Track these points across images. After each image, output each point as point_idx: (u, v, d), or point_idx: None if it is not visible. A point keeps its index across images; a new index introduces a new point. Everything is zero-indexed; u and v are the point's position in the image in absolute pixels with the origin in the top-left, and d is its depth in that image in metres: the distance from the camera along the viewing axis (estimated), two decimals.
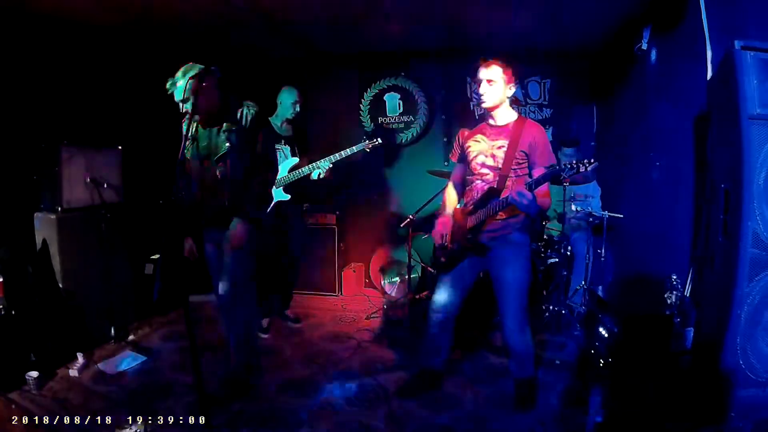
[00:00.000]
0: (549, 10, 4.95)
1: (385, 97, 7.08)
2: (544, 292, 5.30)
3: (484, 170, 3.53)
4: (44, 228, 4.74)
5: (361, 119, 7.18)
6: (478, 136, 3.60)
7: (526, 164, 3.46)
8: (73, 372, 4.29)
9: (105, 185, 4.79)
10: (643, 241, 5.05)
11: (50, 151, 4.72)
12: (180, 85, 3.49)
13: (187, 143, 3.73)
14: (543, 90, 6.56)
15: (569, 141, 5.76)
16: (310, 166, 5.08)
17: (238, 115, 3.76)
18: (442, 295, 3.74)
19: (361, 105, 7.15)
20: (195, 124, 3.74)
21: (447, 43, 6.12)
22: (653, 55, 4.85)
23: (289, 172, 5.14)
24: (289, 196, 5.15)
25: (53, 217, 4.67)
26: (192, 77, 3.45)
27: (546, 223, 5.39)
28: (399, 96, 7.02)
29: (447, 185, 3.93)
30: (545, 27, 5.38)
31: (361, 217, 7.23)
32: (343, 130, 7.12)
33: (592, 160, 2.94)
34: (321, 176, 5.09)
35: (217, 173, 3.70)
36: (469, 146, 3.62)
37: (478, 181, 3.56)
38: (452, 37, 5.90)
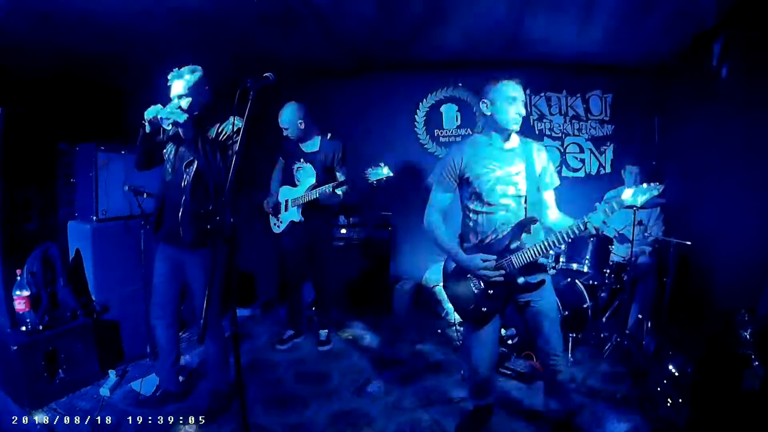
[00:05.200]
0: (614, 24, 4.97)
1: (441, 109, 7.05)
2: (603, 320, 5.31)
3: (507, 200, 3.41)
4: (78, 238, 4.84)
5: (417, 132, 7.16)
6: (488, 162, 3.42)
7: (539, 185, 3.46)
8: (104, 390, 4.32)
9: (145, 195, 4.83)
10: (710, 271, 5.04)
11: (85, 155, 4.82)
12: (188, 79, 3.66)
13: (168, 146, 3.90)
14: (604, 105, 6.52)
15: (634, 157, 5.78)
16: (321, 188, 5.14)
17: (220, 127, 3.80)
18: (487, 346, 3.66)
19: (416, 116, 7.13)
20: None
21: (507, 54, 6.07)
22: (724, 71, 4.84)
23: (305, 192, 5.25)
24: (302, 218, 5.31)
25: (88, 226, 4.76)
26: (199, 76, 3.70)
27: (612, 248, 5.40)
28: (457, 107, 6.99)
29: (435, 221, 3.60)
30: (609, 41, 5.37)
31: (414, 234, 7.17)
32: (398, 143, 7.18)
33: (657, 184, 3.02)
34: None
35: (182, 182, 3.75)
36: (480, 174, 3.42)
37: (502, 212, 3.42)
38: (512, 49, 5.87)
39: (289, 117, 5.19)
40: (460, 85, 6.94)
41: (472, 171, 3.43)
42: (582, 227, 3.15)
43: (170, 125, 3.56)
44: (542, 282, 3.40)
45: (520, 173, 3.40)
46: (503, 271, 3.37)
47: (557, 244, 3.26)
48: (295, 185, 5.42)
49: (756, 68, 4.32)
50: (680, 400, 3.94)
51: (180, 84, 3.65)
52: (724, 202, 4.74)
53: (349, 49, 6.14)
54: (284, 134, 5.28)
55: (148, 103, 3.67)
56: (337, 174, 5.30)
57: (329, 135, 5.44)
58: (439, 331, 6.00)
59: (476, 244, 3.50)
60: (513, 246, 3.36)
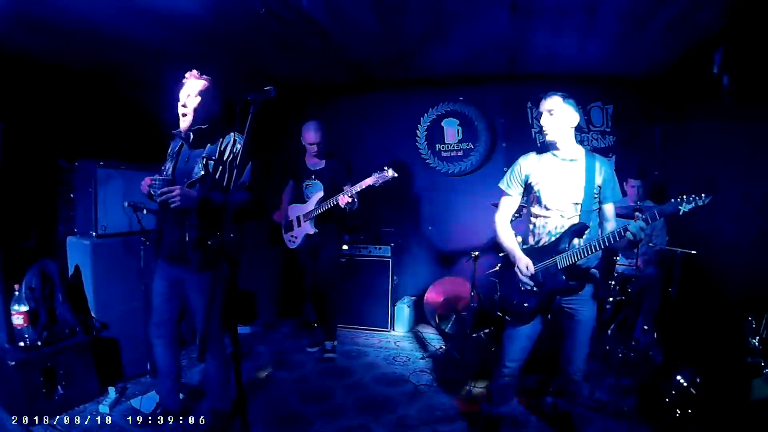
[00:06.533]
0: (615, 36, 4.97)
1: (443, 123, 7.04)
2: (609, 332, 5.27)
3: (563, 206, 3.52)
4: (77, 253, 4.81)
5: (418, 146, 7.18)
6: (550, 169, 3.58)
7: (599, 198, 3.53)
8: (104, 408, 4.28)
9: (145, 211, 4.83)
10: (716, 279, 5.01)
11: (85, 170, 4.81)
12: (203, 82, 3.69)
13: (168, 163, 3.85)
14: (605, 116, 6.51)
15: (637, 171, 5.76)
16: (332, 198, 5.32)
17: (223, 144, 3.75)
18: (520, 344, 3.69)
19: (417, 131, 7.15)
20: (181, 142, 3.83)
21: (508, 68, 6.10)
22: (725, 80, 4.84)
23: (315, 205, 5.48)
24: (316, 230, 5.52)
25: (87, 242, 4.73)
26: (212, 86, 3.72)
27: (617, 258, 5.37)
28: (458, 122, 6.97)
29: (500, 220, 3.81)
30: (611, 53, 5.38)
31: (416, 250, 7.27)
32: (400, 158, 7.17)
33: (704, 195, 3.00)
34: (343, 206, 5.27)
35: None
36: (540, 180, 3.58)
37: (557, 218, 3.55)
38: (514, 62, 5.89)
39: (319, 132, 5.47)
40: (461, 99, 6.93)
41: (534, 177, 3.61)
42: (622, 234, 3.21)
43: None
44: (582, 286, 3.50)
45: (578, 182, 3.50)
46: (533, 284, 3.52)
47: (597, 249, 3.34)
48: (304, 202, 5.65)
49: (757, 76, 4.33)
50: (689, 412, 3.91)
51: (193, 84, 3.67)
52: (728, 210, 4.72)
53: (351, 65, 6.14)
54: (312, 149, 5.54)
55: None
56: (345, 188, 5.42)
57: (330, 153, 5.68)
58: (441, 347, 5.96)
59: (533, 245, 3.66)
60: (561, 248, 3.46)
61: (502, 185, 3.79)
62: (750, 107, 4.48)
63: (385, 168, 5.15)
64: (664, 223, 5.63)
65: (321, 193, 5.50)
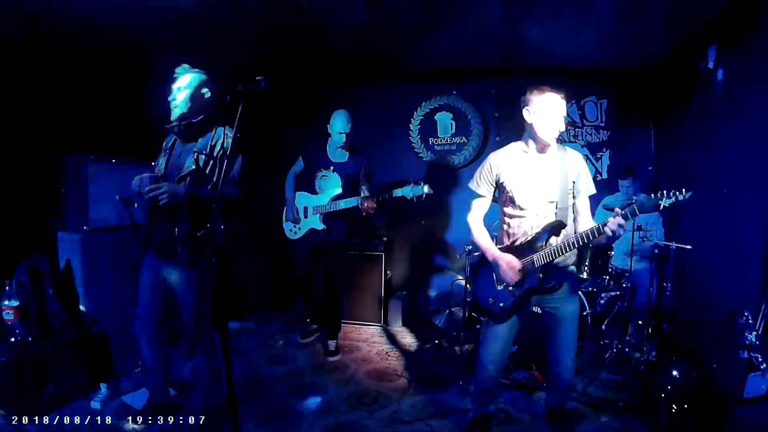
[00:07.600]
0: (610, 30, 4.98)
1: (436, 117, 7.04)
2: (603, 327, 5.27)
3: (538, 205, 3.44)
4: (68, 248, 4.76)
5: (411, 140, 7.16)
6: (522, 167, 3.47)
7: (572, 193, 3.45)
8: (95, 404, 4.25)
9: (136, 205, 4.78)
10: (710, 274, 4.99)
11: (76, 165, 4.75)
12: (195, 77, 3.65)
13: (161, 159, 3.81)
14: (599, 111, 6.52)
15: (624, 171, 5.76)
16: (347, 200, 5.20)
17: (214, 138, 3.69)
18: (498, 344, 3.65)
19: (411, 125, 7.14)
20: (174, 137, 3.80)
21: (501, 61, 6.11)
22: (720, 74, 4.82)
23: (329, 201, 5.29)
24: (324, 226, 5.34)
25: (78, 237, 4.69)
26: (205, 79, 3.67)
27: (611, 253, 5.36)
28: (451, 116, 6.98)
29: (474, 220, 3.70)
30: (603, 47, 5.38)
31: (408, 244, 7.25)
32: (392, 151, 7.17)
33: (684, 190, 2.87)
34: (365, 214, 5.16)
35: None
36: (513, 179, 3.48)
37: (532, 217, 3.46)
38: (507, 56, 5.89)
39: (350, 123, 5.29)
40: (455, 93, 6.93)
41: (507, 176, 3.50)
42: (601, 230, 3.10)
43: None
44: (561, 286, 3.42)
45: (552, 179, 3.42)
46: (519, 278, 3.42)
47: (575, 246, 3.26)
48: (315, 193, 5.47)
49: (750, 71, 4.32)
50: (685, 407, 3.89)
51: (184, 78, 3.64)
52: (723, 204, 4.71)
53: (342, 57, 6.13)
54: (340, 138, 5.30)
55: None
56: (362, 188, 5.37)
57: (354, 148, 5.52)
58: (435, 341, 5.93)
59: (508, 245, 3.58)
60: (538, 247, 3.39)
61: (472, 185, 3.69)
62: (742, 100, 4.46)
63: (421, 182, 4.95)
64: (658, 216, 5.62)
65: (338, 189, 5.32)
